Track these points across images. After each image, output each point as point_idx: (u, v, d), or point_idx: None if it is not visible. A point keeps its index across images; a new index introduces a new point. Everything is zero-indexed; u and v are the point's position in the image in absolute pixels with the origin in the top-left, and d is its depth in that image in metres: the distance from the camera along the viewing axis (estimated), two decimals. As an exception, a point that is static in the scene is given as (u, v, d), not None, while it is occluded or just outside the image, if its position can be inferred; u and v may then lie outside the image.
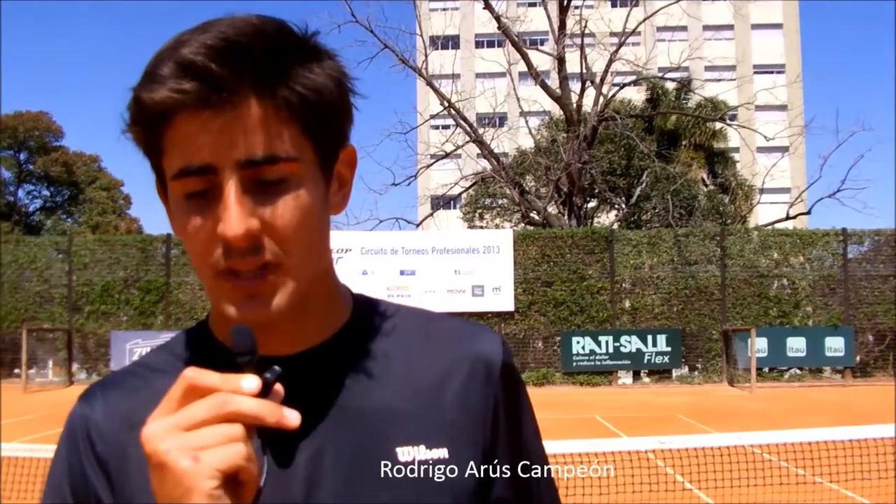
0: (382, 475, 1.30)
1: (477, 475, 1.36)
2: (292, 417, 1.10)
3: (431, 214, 43.91)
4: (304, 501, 1.27)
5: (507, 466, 1.43)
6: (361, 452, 1.31)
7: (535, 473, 1.50)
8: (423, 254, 31.66)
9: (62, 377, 32.05)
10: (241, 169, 1.19)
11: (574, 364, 31.26)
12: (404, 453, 1.31)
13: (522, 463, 1.47)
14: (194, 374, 1.09)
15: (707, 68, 57.63)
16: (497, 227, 45.82)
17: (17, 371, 31.18)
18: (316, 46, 1.29)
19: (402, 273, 31.29)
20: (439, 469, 1.32)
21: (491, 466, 1.40)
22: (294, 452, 1.29)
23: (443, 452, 1.33)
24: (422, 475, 1.31)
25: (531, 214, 40.60)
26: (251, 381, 1.09)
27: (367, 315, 1.47)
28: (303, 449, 1.29)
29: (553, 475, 1.59)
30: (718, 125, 46.96)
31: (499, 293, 31.71)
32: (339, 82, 1.30)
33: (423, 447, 1.33)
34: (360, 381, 1.36)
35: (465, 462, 1.35)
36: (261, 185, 1.21)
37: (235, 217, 1.18)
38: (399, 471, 1.30)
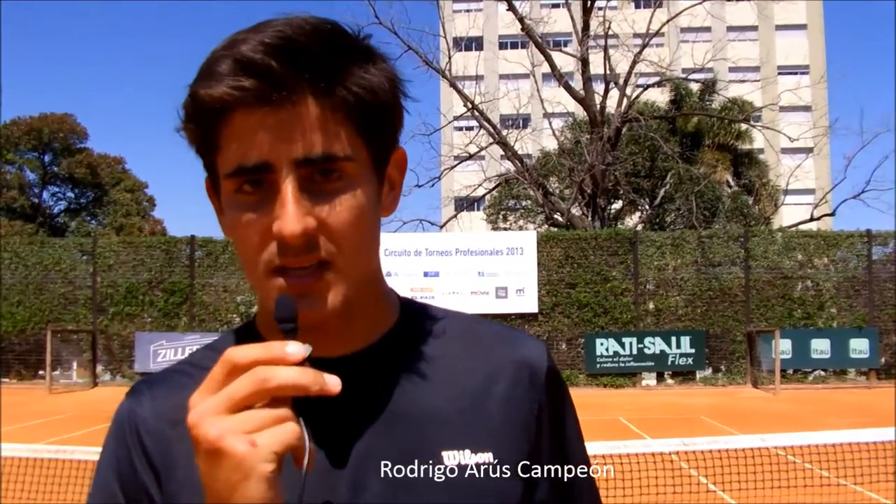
0: (428, 478, 1.30)
1: (521, 479, 1.36)
2: (333, 383, 1.11)
3: (455, 216, 43.88)
4: (350, 502, 1.27)
5: (551, 471, 1.44)
6: (407, 455, 1.31)
7: (579, 478, 1.51)
8: (446, 255, 31.64)
9: (86, 378, 32.14)
10: (298, 167, 1.20)
11: (598, 366, 31.19)
12: (450, 457, 1.32)
13: (566, 467, 1.48)
14: (235, 352, 1.10)
15: (731, 69, 57.56)
16: (521, 228, 45.77)
17: (41, 372, 31.30)
18: (370, 48, 1.30)
19: (425, 275, 31.28)
20: (484, 473, 1.32)
21: (534, 471, 1.40)
22: (341, 453, 1.29)
23: (487, 457, 1.33)
24: (466, 479, 1.31)
25: (555, 216, 40.55)
26: (296, 347, 1.10)
27: (415, 318, 1.48)
28: (349, 450, 1.30)
29: (595, 479, 1.60)
30: (744, 126, 46.82)
31: (522, 295, 31.66)
32: (393, 84, 1.31)
33: (468, 451, 1.33)
34: (408, 385, 1.37)
35: (509, 466, 1.35)
36: (317, 184, 1.22)
37: (293, 215, 1.18)
38: (444, 474, 1.31)
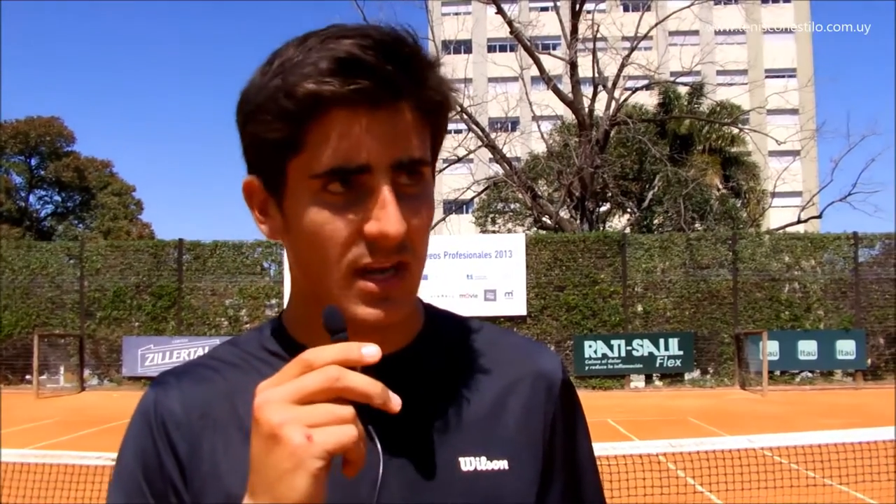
0: (444, 482, 1.32)
1: (535, 488, 1.39)
2: (396, 402, 1.12)
3: (444, 219, 43.83)
4: (370, 501, 1.29)
5: (563, 481, 1.47)
6: (427, 459, 1.33)
7: (589, 488, 1.55)
8: (435, 258, 31.57)
9: (74, 383, 32.04)
10: (394, 170, 1.22)
11: (586, 368, 31.21)
12: (466, 463, 1.34)
13: (576, 478, 1.51)
14: (311, 353, 1.10)
15: (719, 72, 57.57)
16: (509, 231, 45.81)
17: (28, 377, 31.23)
18: (433, 55, 1.31)
19: (413, 277, 31.22)
20: (498, 480, 1.35)
21: (548, 480, 1.43)
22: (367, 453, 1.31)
23: (503, 464, 1.36)
24: (481, 485, 1.33)
25: (543, 219, 40.58)
26: (372, 348, 1.11)
27: (439, 325, 1.50)
28: (374, 450, 1.29)
29: (603, 489, 1.62)
30: (734, 129, 46.94)
31: (511, 298, 31.66)
32: (452, 91, 1.33)
33: (484, 458, 1.35)
34: (431, 390, 1.39)
35: (524, 474, 1.38)
36: (403, 187, 1.24)
37: (396, 217, 1.20)
38: (460, 480, 1.33)
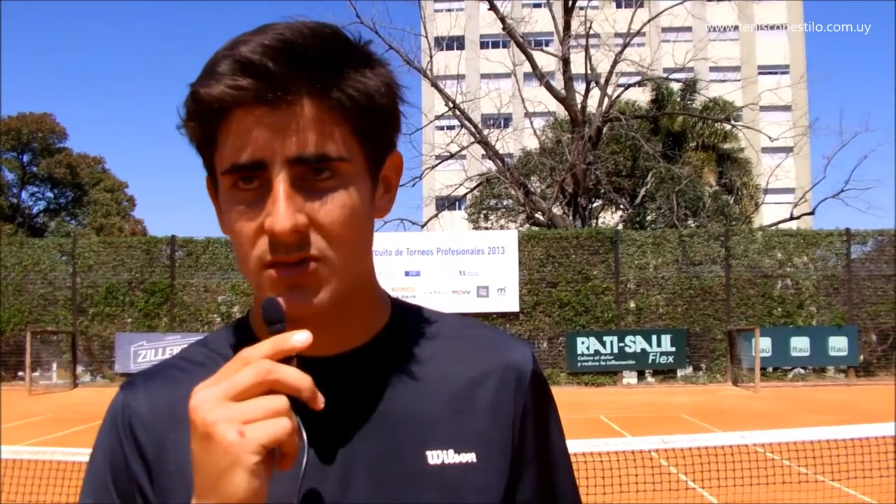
0: (412, 477, 1.32)
1: (504, 480, 1.39)
2: (321, 400, 1.13)
3: (436, 215, 43.84)
4: (337, 499, 1.29)
5: (534, 473, 1.46)
6: (393, 455, 1.33)
7: (561, 479, 1.55)
8: (427, 255, 31.62)
9: (67, 379, 32.00)
10: (292, 165, 1.22)
11: (579, 364, 31.25)
12: (433, 457, 1.34)
13: (548, 470, 1.51)
14: (248, 350, 1.12)
15: (712, 69, 57.56)
16: (502, 227, 45.80)
17: (21, 374, 31.20)
18: (369, 53, 1.32)
19: (406, 274, 31.25)
20: (467, 473, 1.35)
21: (518, 472, 1.43)
22: (329, 451, 1.31)
23: (471, 457, 1.36)
24: (449, 478, 1.33)
25: (536, 215, 40.61)
26: (302, 335, 1.13)
27: (405, 319, 1.50)
28: (337, 448, 1.32)
29: (576, 481, 1.62)
30: (727, 126, 46.95)
31: (504, 294, 31.67)
32: (390, 89, 1.33)
33: (451, 451, 1.35)
34: (396, 385, 1.39)
35: (492, 467, 1.38)
36: (309, 182, 1.24)
37: (284, 212, 1.20)
38: (428, 474, 1.33)
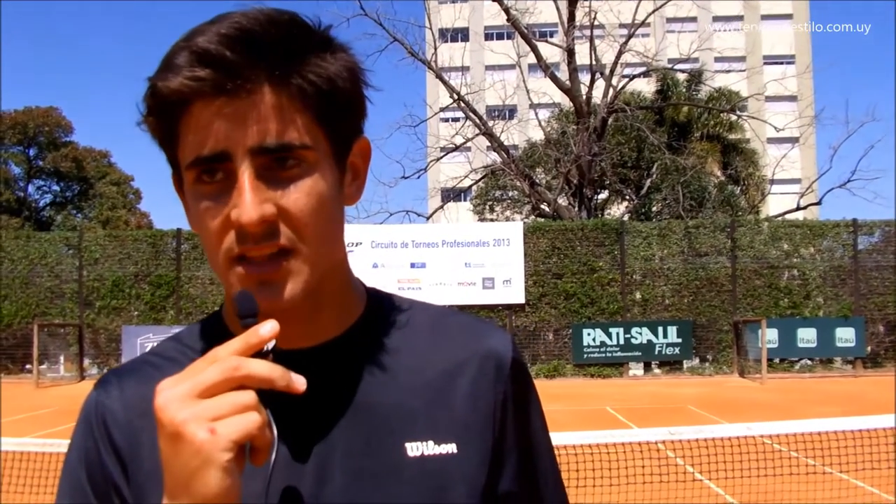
0: (391, 470, 1.31)
1: (485, 470, 1.37)
2: (300, 382, 1.13)
3: (441, 207, 43.83)
4: (313, 494, 1.28)
5: (515, 461, 1.45)
6: (371, 447, 1.32)
7: (543, 467, 1.53)
8: (433, 247, 31.62)
9: (74, 372, 32.07)
10: (255, 156, 1.21)
11: (585, 356, 31.24)
12: (413, 448, 1.33)
13: (529, 458, 1.49)
14: (218, 348, 1.12)
15: (717, 59, 57.48)
16: (507, 219, 45.80)
17: (28, 366, 31.23)
18: (329, 38, 1.30)
19: (412, 266, 31.26)
20: (447, 463, 1.33)
21: (499, 461, 1.41)
22: (305, 446, 1.30)
23: (451, 447, 1.35)
24: (429, 469, 1.32)
25: (541, 207, 40.53)
26: (268, 325, 1.12)
27: (381, 310, 1.48)
28: (313, 443, 1.30)
29: (560, 469, 1.61)
30: (733, 116, 46.89)
31: (509, 286, 31.67)
32: (353, 73, 1.31)
33: (431, 442, 1.34)
34: (373, 377, 1.38)
35: (473, 457, 1.36)
36: (274, 171, 1.23)
37: (250, 202, 1.19)
38: (407, 466, 1.31)
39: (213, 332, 1.44)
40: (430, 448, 1.33)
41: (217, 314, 1.49)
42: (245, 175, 1.20)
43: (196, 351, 1.41)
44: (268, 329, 1.12)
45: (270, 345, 1.13)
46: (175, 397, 1.07)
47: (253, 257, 1.23)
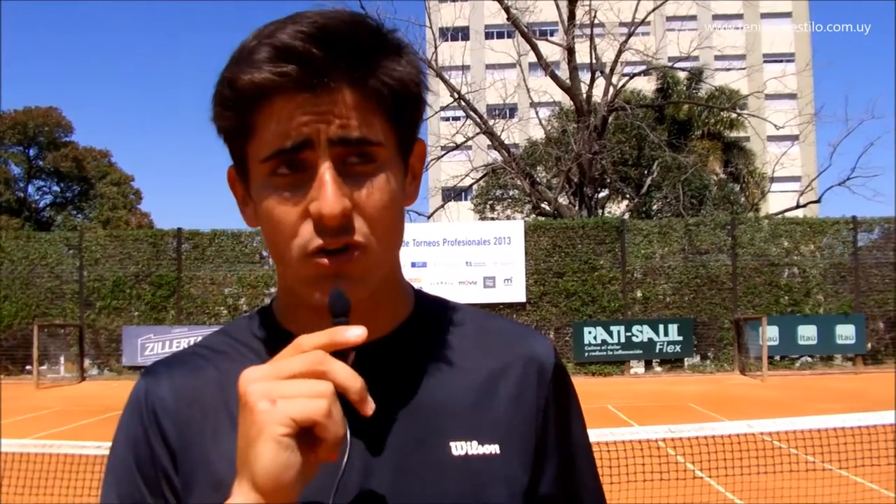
0: (435, 467, 1.32)
1: (527, 472, 1.39)
2: (371, 406, 1.13)
3: (442, 206, 43.82)
4: (360, 488, 1.29)
5: (556, 465, 1.46)
6: (416, 444, 1.34)
7: (582, 471, 1.55)
8: (434, 246, 31.62)
9: (74, 373, 32.05)
10: (334, 147, 1.23)
11: (586, 354, 31.23)
12: (457, 447, 1.35)
13: (570, 462, 1.51)
14: (303, 338, 1.13)
15: (717, 57, 57.49)
16: (508, 218, 45.80)
17: (28, 367, 31.21)
18: (399, 41, 1.33)
19: (413, 265, 31.23)
20: (489, 464, 1.35)
21: (540, 464, 1.43)
22: (356, 439, 1.29)
23: (494, 448, 1.36)
24: (472, 469, 1.34)
25: (542, 205, 40.56)
26: (357, 329, 1.13)
27: (429, 310, 1.51)
28: (361, 436, 1.31)
29: (599, 475, 1.62)
30: (733, 114, 46.89)
31: (510, 284, 31.67)
32: (420, 77, 1.34)
33: (475, 442, 1.36)
34: (420, 375, 1.40)
35: (515, 458, 1.38)
36: (351, 166, 1.25)
37: (332, 195, 1.21)
38: (451, 464, 1.33)
39: (266, 327, 1.46)
40: (473, 448, 1.35)
41: (267, 309, 1.51)
42: (326, 167, 1.23)
43: (247, 345, 1.44)
44: (356, 333, 1.13)
45: (364, 333, 1.14)
46: (256, 376, 1.10)
47: (329, 251, 1.25)
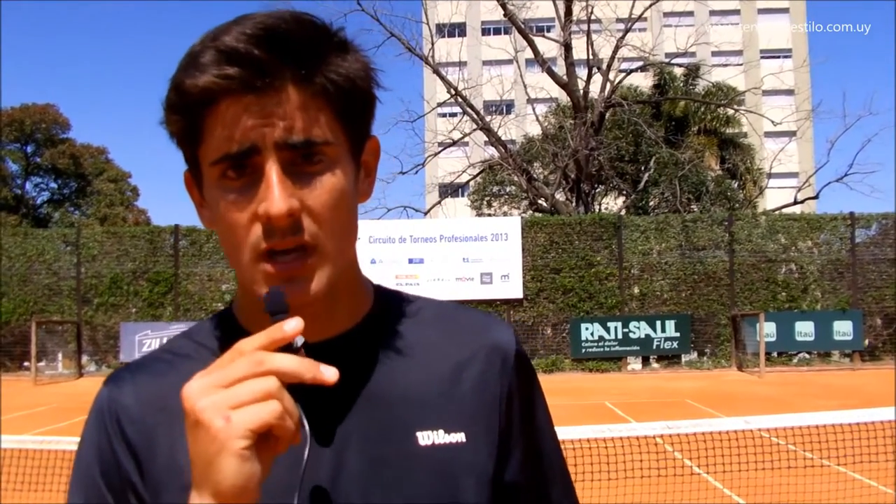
0: (403, 457, 1.33)
1: (493, 459, 1.40)
2: (329, 373, 1.13)
3: (439, 202, 43.83)
4: (330, 481, 1.30)
5: (521, 452, 1.47)
6: (384, 436, 1.34)
7: (548, 456, 1.56)
8: (431, 242, 31.63)
9: (72, 369, 32.07)
10: (281, 150, 1.23)
11: (583, 350, 31.27)
12: (424, 437, 1.36)
13: (535, 448, 1.52)
14: (243, 342, 1.13)
15: (714, 53, 57.51)
16: (505, 214, 45.83)
17: (26, 364, 31.23)
18: (345, 39, 1.33)
19: (410, 261, 31.26)
20: (456, 452, 1.36)
21: (505, 451, 1.44)
22: (323, 433, 1.32)
23: (460, 437, 1.38)
24: (439, 458, 1.35)
25: (539, 201, 40.57)
26: (293, 322, 1.13)
27: (389, 304, 1.52)
28: (331, 430, 1.33)
29: (565, 459, 1.64)
30: (730, 110, 46.90)
31: (507, 280, 31.68)
32: (369, 73, 1.35)
33: (441, 431, 1.37)
34: (384, 368, 1.41)
35: (481, 447, 1.39)
36: (299, 166, 1.25)
37: (279, 195, 1.21)
38: (419, 454, 1.34)
39: (227, 329, 1.46)
40: (440, 437, 1.36)
41: (228, 311, 1.51)
42: (273, 169, 1.23)
43: (209, 348, 1.43)
44: (292, 325, 1.13)
45: (300, 340, 1.15)
46: (200, 387, 1.09)
47: (279, 253, 1.25)
